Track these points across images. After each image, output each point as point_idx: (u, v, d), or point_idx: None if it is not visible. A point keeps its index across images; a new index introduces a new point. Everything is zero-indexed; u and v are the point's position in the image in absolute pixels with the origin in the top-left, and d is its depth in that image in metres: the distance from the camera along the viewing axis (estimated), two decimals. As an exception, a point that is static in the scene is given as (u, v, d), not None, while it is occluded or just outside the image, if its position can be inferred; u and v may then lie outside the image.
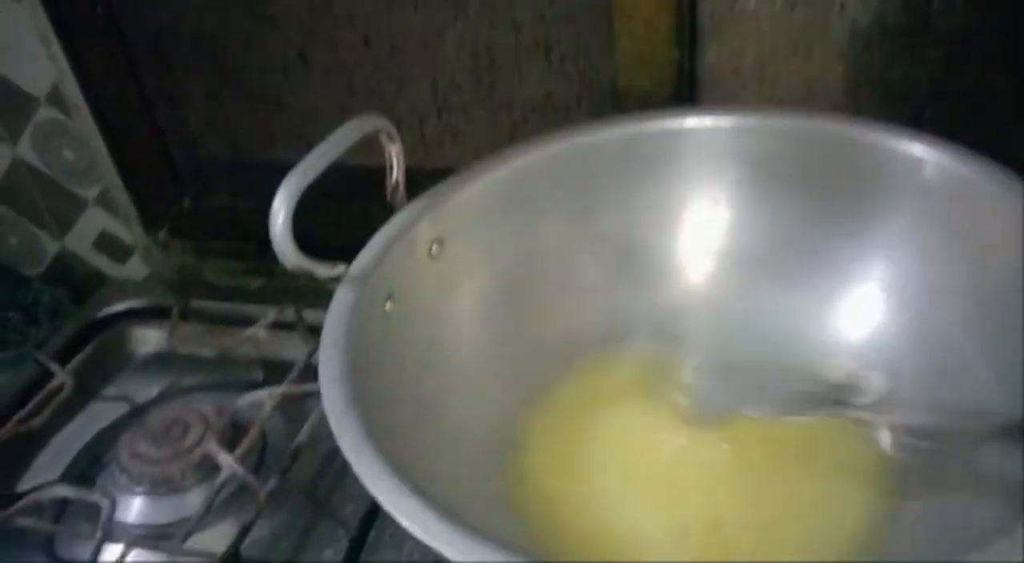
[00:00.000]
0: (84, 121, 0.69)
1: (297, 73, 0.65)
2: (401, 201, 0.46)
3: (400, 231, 0.44)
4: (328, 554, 0.48)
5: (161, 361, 0.64)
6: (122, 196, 0.73)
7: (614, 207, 0.49)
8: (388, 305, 0.43)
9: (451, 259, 0.46)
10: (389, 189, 0.46)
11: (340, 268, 0.42)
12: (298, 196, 0.40)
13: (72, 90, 0.68)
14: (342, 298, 0.40)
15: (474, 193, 0.47)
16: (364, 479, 0.32)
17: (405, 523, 0.30)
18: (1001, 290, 0.40)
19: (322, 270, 0.41)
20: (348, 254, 0.43)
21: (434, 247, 0.46)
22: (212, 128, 0.70)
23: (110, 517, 0.46)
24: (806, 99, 0.55)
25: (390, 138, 0.45)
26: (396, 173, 0.46)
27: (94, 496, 0.47)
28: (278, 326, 0.61)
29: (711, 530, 0.41)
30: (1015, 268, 0.39)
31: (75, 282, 0.78)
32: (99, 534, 0.45)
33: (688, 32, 0.54)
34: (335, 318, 0.39)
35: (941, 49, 0.52)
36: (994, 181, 0.41)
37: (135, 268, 0.77)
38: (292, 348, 0.59)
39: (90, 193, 0.74)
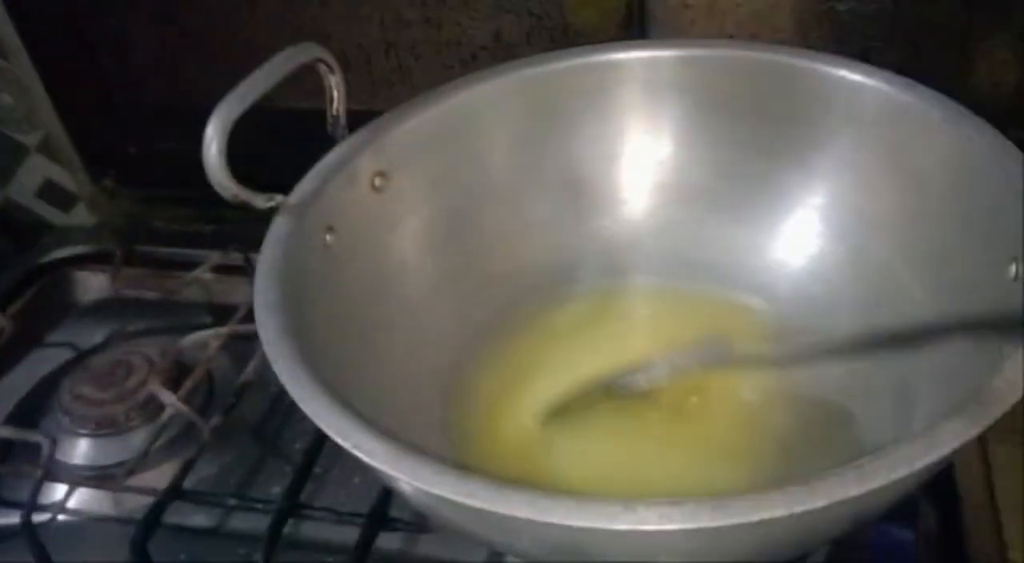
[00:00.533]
0: (22, 65, 0.67)
1: (242, 14, 0.63)
2: (342, 133, 0.45)
3: (340, 162, 0.43)
4: (276, 490, 0.48)
5: (106, 307, 0.63)
6: (65, 143, 0.71)
7: (560, 141, 0.49)
8: (328, 237, 0.42)
9: (395, 192, 0.46)
10: (330, 121, 0.45)
11: (278, 198, 0.41)
12: (231, 125, 0.39)
13: (8, 32, 0.66)
14: (278, 228, 0.40)
15: (418, 125, 0.47)
16: (299, 400, 0.31)
17: (339, 440, 0.30)
18: (936, 216, 0.41)
19: (259, 200, 0.40)
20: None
21: (377, 180, 0.45)
22: (156, 72, 0.68)
23: (51, 456, 0.45)
24: (756, 33, 0.55)
25: (329, 68, 0.44)
26: (336, 104, 0.45)
27: (35, 437, 0.47)
28: (226, 269, 0.60)
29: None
30: (950, 193, 0.40)
31: (20, 232, 0.76)
32: (39, 473, 0.45)
33: (637, -34, 0.54)
34: (270, 246, 0.39)
35: (889, -17, 0.52)
36: (931, 106, 0.41)
37: (81, 217, 0.75)
38: (240, 291, 0.58)
39: (31, 140, 0.72)
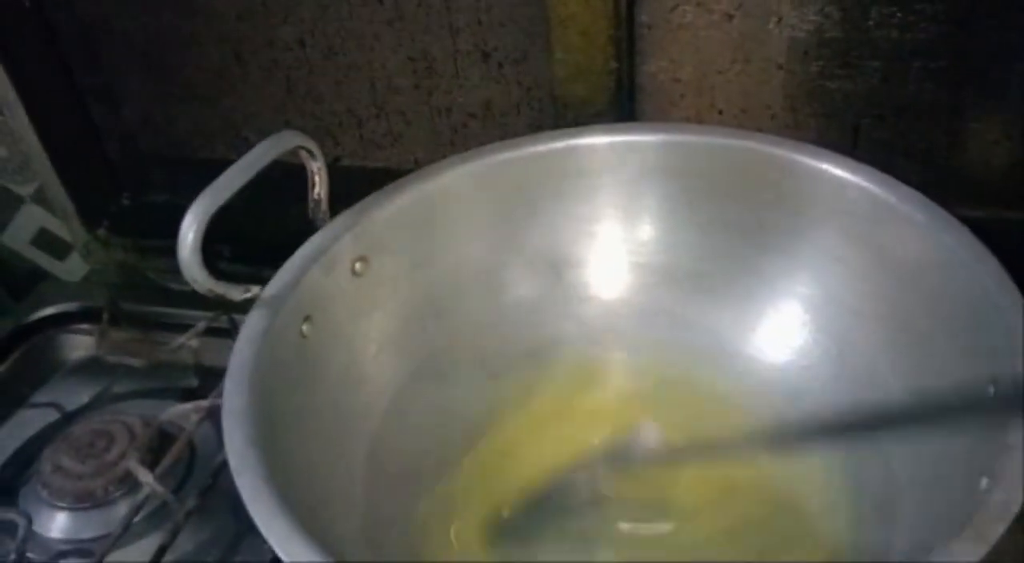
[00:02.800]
0: (17, 117, 0.67)
1: (234, 72, 0.64)
2: (323, 219, 0.45)
3: (319, 251, 0.43)
4: (253, 571, 0.48)
5: (93, 367, 0.62)
6: (59, 193, 0.71)
7: (541, 222, 0.49)
8: (305, 327, 0.42)
9: (375, 276, 0.46)
10: (311, 205, 0.45)
11: (254, 290, 0.41)
12: (209, 217, 0.39)
13: (3, 85, 0.66)
14: (252, 323, 0.39)
15: (400, 209, 0.46)
16: (259, 523, 0.31)
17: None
18: (919, 319, 0.40)
19: (235, 293, 0.40)
20: (274, 253, 0.43)
21: (358, 265, 0.45)
22: (148, 125, 0.69)
23: (25, 538, 0.45)
24: (745, 108, 0.55)
25: (311, 155, 0.44)
26: (318, 189, 0.45)
27: (10, 515, 0.47)
28: (214, 332, 0.60)
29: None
30: (932, 298, 0.39)
31: (15, 279, 0.76)
32: (12, 555, 0.44)
33: (626, 42, 0.53)
34: (243, 345, 0.38)
35: (878, 62, 0.51)
36: (914, 209, 0.40)
37: (75, 265, 0.75)
38: (227, 356, 0.58)
39: (26, 190, 0.72)
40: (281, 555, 0.30)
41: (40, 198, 0.72)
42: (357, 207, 0.46)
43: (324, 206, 0.45)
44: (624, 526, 0.42)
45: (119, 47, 0.64)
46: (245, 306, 0.41)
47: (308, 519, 0.31)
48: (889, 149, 0.54)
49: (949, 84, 0.51)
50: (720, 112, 0.55)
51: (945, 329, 0.39)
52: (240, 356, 0.38)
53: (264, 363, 0.38)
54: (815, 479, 0.42)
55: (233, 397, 0.36)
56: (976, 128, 0.52)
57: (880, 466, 0.40)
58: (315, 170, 0.44)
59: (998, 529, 0.27)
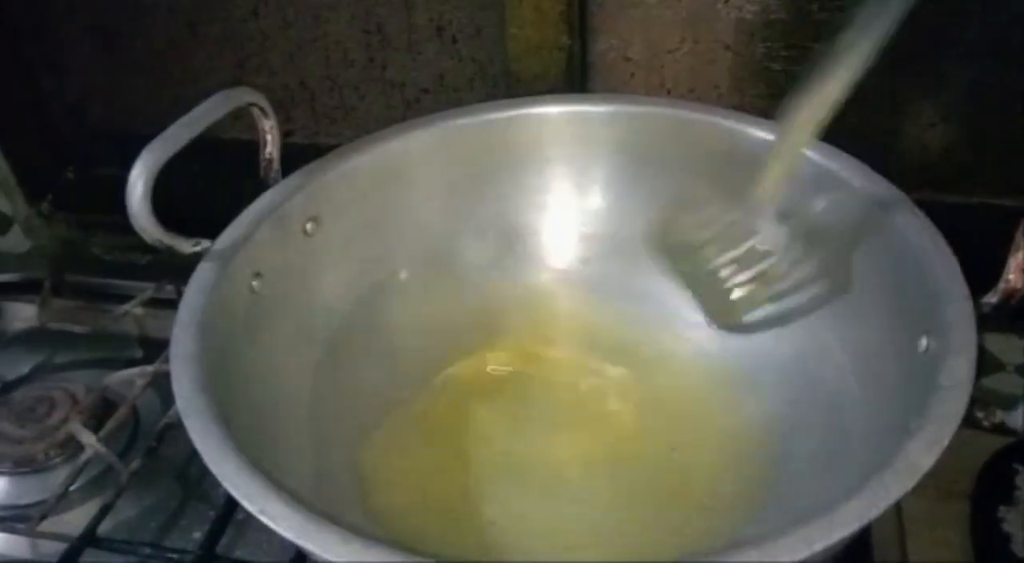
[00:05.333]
0: (-42, 83, 0.66)
1: (186, 43, 0.63)
2: (275, 177, 0.45)
3: (271, 207, 0.43)
4: (197, 535, 0.47)
5: (36, 337, 0.61)
6: (1, 165, 0.69)
7: (494, 190, 0.49)
8: (255, 283, 0.42)
9: (326, 238, 0.46)
10: (262, 165, 0.45)
11: (205, 243, 0.41)
12: (158, 168, 0.39)
13: (-55, 50, 0.64)
14: (202, 274, 0.39)
15: (352, 171, 0.47)
16: (207, 460, 0.31)
17: (245, 502, 0.30)
18: (856, 282, 0.42)
19: (184, 245, 0.40)
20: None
21: (309, 225, 0.45)
22: (97, 97, 0.68)
23: (-39, 500, 0.44)
24: (693, 87, 0.56)
25: (263, 112, 0.44)
26: (270, 148, 0.45)
27: (-56, 477, 0.46)
28: (160, 303, 0.59)
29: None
30: (868, 261, 0.41)
31: (-46, 253, 0.74)
32: (-52, 516, 0.43)
33: (578, 19, 0.54)
34: (193, 293, 0.38)
35: (821, 45, 0.53)
36: (853, 174, 0.42)
37: (16, 240, 0.73)
38: (172, 326, 0.57)
39: (-34, 161, 0.70)
40: (233, 492, 0.30)
41: (-20, 169, 0.70)
42: (310, 167, 0.46)
43: (276, 165, 0.45)
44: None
45: (68, 15, 0.63)
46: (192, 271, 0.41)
47: (257, 461, 0.31)
48: (831, 131, 0.56)
49: (888, 68, 0.53)
50: (669, 91, 0.57)
51: (881, 290, 0.40)
52: (189, 303, 0.38)
53: (213, 313, 0.38)
54: (761, 427, 0.43)
55: (182, 342, 0.36)
56: (913, 111, 0.54)
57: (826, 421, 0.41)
58: (267, 129, 0.45)
59: (928, 459, 0.28)
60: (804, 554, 0.26)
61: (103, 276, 0.65)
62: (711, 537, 0.38)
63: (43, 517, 0.45)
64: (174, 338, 0.36)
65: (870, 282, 0.41)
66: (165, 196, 0.39)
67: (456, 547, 0.40)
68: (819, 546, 0.26)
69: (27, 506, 0.49)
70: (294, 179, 0.45)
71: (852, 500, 0.27)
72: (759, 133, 0.45)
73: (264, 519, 0.29)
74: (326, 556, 0.28)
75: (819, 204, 0.43)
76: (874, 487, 0.28)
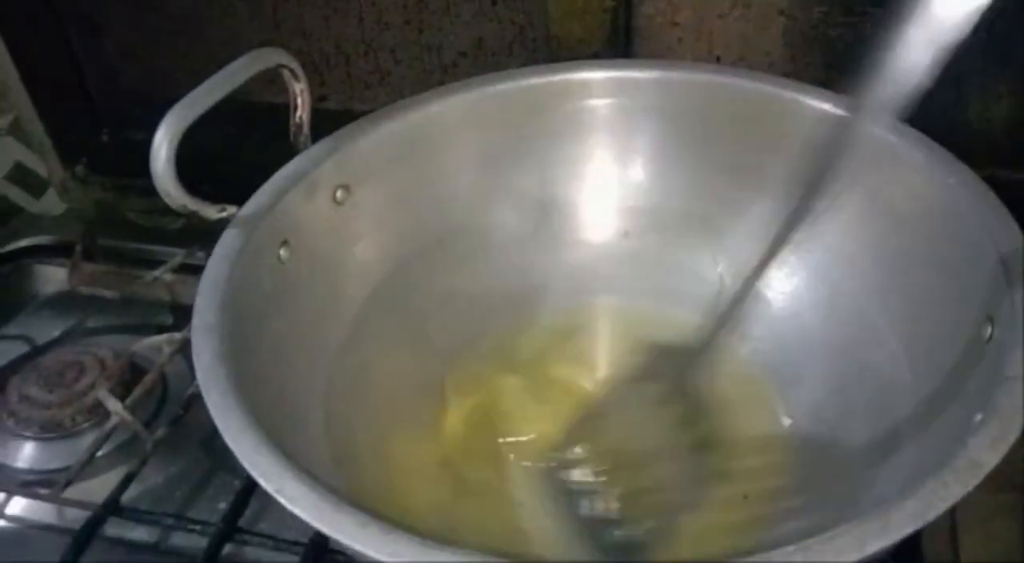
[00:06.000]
0: (-7, 44, 0.65)
1: (221, 5, 0.62)
2: (305, 142, 0.44)
3: (300, 173, 0.42)
4: (222, 506, 0.46)
5: (68, 301, 0.61)
6: (36, 126, 0.69)
7: (531, 159, 0.47)
8: (283, 252, 0.40)
9: (357, 206, 0.44)
10: (292, 129, 0.44)
11: (231, 209, 0.40)
12: (182, 130, 0.37)
13: (-21, 9, 0.64)
14: (227, 242, 0.38)
15: (385, 137, 0.45)
16: (225, 435, 0.30)
17: (261, 481, 0.28)
18: (914, 262, 0.39)
19: (210, 211, 0.39)
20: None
21: (339, 193, 0.44)
22: (131, 58, 0.67)
23: (-13, 463, 0.44)
24: (743, 55, 0.53)
25: (294, 75, 0.42)
26: (300, 112, 0.44)
27: (-28, 441, 0.45)
28: (192, 269, 0.58)
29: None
30: (929, 240, 0.38)
31: (-10, 216, 0.74)
32: (-26, 480, 0.43)
33: (623, -20, 0.52)
34: (217, 262, 0.37)
35: (882, 10, 0.50)
36: (915, 149, 0.39)
37: (52, 203, 0.73)
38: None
39: (2, 122, 0.70)
40: (250, 470, 0.29)
41: (16, 131, 0.70)
42: (341, 132, 0.44)
43: (306, 130, 0.44)
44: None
45: (101, -26, 0.62)
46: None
47: (277, 438, 0.30)
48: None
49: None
50: (717, 58, 0.54)
51: (941, 272, 0.37)
52: (213, 272, 0.36)
53: (238, 282, 0.37)
54: (805, 415, 0.41)
55: (204, 313, 0.34)
56: (979, 83, 0.51)
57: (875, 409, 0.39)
58: (298, 92, 0.43)
59: (992, 458, 0.26)
60: (855, 556, 0.24)
61: (135, 241, 0.64)
62: (754, 530, 0.36)
63: (68, 483, 0.44)
64: (196, 308, 0.35)
65: (928, 263, 0.39)
66: (197, 159, 0.38)
67: (486, 534, 0.39)
68: (872, 548, 0.24)
69: (52, 471, 0.48)
70: (324, 145, 0.43)
71: (908, 500, 0.25)
72: (816, 104, 0.43)
73: (281, 499, 0.28)
74: (343, 540, 0.26)
75: (877, 179, 0.41)
76: (933, 486, 0.26)
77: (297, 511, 0.27)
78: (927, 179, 0.39)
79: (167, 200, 0.38)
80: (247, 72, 0.39)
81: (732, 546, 0.37)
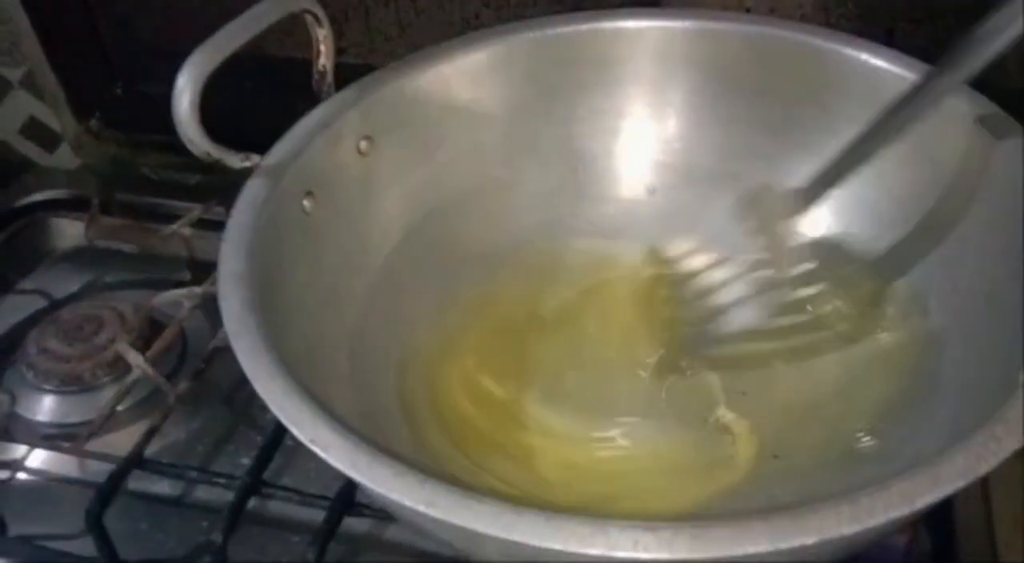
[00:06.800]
0: (5, -6, 0.64)
1: (237, -47, 0.60)
2: (328, 91, 0.43)
3: (323, 123, 0.41)
4: (244, 461, 0.46)
5: (83, 255, 0.60)
6: (50, 79, 0.68)
7: (560, 111, 0.46)
8: (307, 203, 0.40)
9: (381, 158, 0.43)
10: (315, 77, 0.43)
11: (255, 158, 0.39)
12: (206, 75, 0.36)
13: (-9, -42, 0.62)
14: (252, 191, 0.37)
15: (410, 87, 0.44)
16: (255, 383, 0.29)
17: (294, 429, 0.28)
18: (955, 216, 0.38)
19: (233, 160, 0.38)
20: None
21: (363, 143, 0.43)
22: (146, 10, 0.65)
23: (9, 414, 0.43)
24: (775, 7, 0.52)
25: (317, 20, 0.41)
26: (323, 59, 0.43)
27: (-7, 392, 0.45)
28: (209, 224, 0.58)
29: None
30: (971, 194, 0.37)
31: (3, 170, 0.73)
32: (-5, 431, 0.43)
33: (653, -72, 0.50)
34: (241, 211, 0.36)
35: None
36: (958, 99, 0.38)
37: (65, 157, 0.72)
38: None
39: (15, 74, 0.69)
40: (281, 418, 0.28)
41: (29, 84, 0.69)
42: (365, 81, 0.43)
43: (329, 78, 0.43)
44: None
45: (115, -79, 0.61)
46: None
47: (305, 384, 0.29)
48: (924, 57, 0.51)
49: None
50: (748, 10, 0.52)
51: (983, 224, 0.36)
52: (238, 220, 0.36)
53: (263, 232, 0.36)
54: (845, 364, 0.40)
55: (231, 260, 0.34)
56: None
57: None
58: (321, 38, 0.42)
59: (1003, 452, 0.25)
60: (905, 511, 0.24)
61: (152, 195, 0.63)
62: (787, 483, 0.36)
63: (90, 436, 0.44)
64: (222, 255, 0.34)
65: (970, 217, 0.37)
66: (213, 114, 0.37)
67: (511, 484, 0.38)
68: (922, 503, 0.24)
69: (74, 425, 0.48)
70: (348, 93, 0.42)
71: (959, 454, 0.25)
72: (849, 51, 0.41)
73: (314, 448, 0.27)
74: (379, 490, 0.26)
75: (917, 129, 0.39)
76: (983, 440, 0.25)
77: (332, 460, 0.27)
78: (969, 130, 0.38)
79: (190, 147, 0.37)
80: (271, 16, 0.38)
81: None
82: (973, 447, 0.25)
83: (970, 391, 0.33)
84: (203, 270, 0.56)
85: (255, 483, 0.40)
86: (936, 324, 0.38)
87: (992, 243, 0.36)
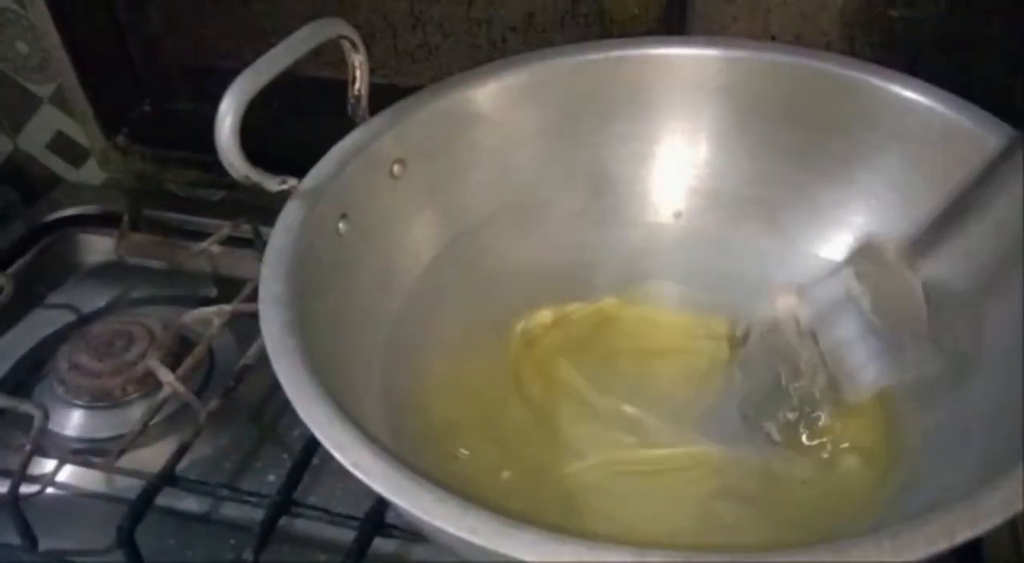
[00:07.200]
0: (38, 12, 0.65)
1: (266, -27, 0.61)
2: (363, 115, 0.43)
3: (358, 147, 0.41)
4: (272, 478, 0.47)
5: (112, 271, 0.61)
6: (78, 95, 0.69)
7: (590, 136, 0.47)
8: (342, 225, 0.40)
9: (413, 181, 0.44)
10: (351, 102, 0.43)
11: (292, 182, 0.39)
12: (247, 101, 0.37)
13: (24, -25, 0.63)
14: (290, 214, 0.38)
15: (443, 111, 0.45)
16: (298, 407, 0.30)
17: (337, 454, 0.28)
18: (988, 249, 0.38)
19: (271, 183, 0.39)
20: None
21: (396, 167, 0.43)
22: (174, 27, 0.66)
23: (42, 429, 0.44)
24: (800, 34, 0.52)
25: (353, 46, 0.42)
26: (359, 84, 0.43)
27: (26, 406, 0.45)
28: (235, 242, 0.58)
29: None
30: (1005, 228, 0.37)
31: (30, 184, 0.74)
32: (28, 446, 0.43)
33: (680, -45, 0.51)
34: (280, 235, 0.37)
35: (946, -11, 0.49)
36: (988, 132, 0.38)
37: (92, 173, 0.73)
38: (248, 265, 0.57)
39: (44, 90, 0.70)
40: (325, 442, 0.29)
41: (59, 100, 0.70)
42: (399, 105, 0.44)
43: (364, 103, 0.43)
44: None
45: (147, -59, 0.62)
46: (271, 211, 0.39)
47: (344, 407, 0.30)
48: (949, 87, 0.52)
49: (1017, 18, 0.49)
50: (773, 38, 0.53)
51: (1013, 261, 0.37)
52: (277, 244, 0.36)
53: (300, 254, 0.36)
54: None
55: (270, 284, 0.34)
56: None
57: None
58: (357, 64, 0.42)
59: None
60: (945, 545, 0.24)
61: (178, 211, 0.64)
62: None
63: (121, 452, 0.44)
64: (262, 279, 0.35)
65: (1004, 251, 0.38)
66: (242, 132, 0.38)
67: (538, 507, 0.39)
68: (962, 537, 0.24)
69: (104, 440, 0.49)
70: (382, 118, 0.43)
71: (999, 489, 0.25)
72: (877, 82, 0.42)
73: (358, 473, 0.28)
74: (422, 516, 0.26)
75: (947, 161, 0.40)
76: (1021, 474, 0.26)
77: (375, 485, 0.27)
78: (1001, 163, 0.38)
79: (230, 171, 0.37)
80: (310, 42, 0.39)
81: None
82: (1013, 483, 0.25)
83: (1001, 424, 0.33)
84: (229, 286, 0.57)
85: (285, 502, 0.41)
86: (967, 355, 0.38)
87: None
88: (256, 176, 0.38)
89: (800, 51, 0.45)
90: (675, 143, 0.47)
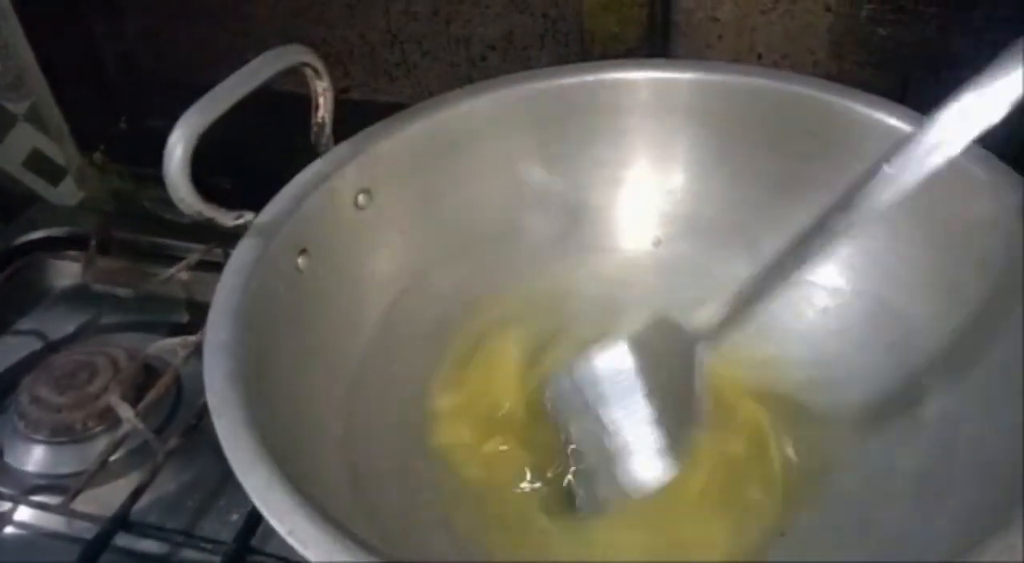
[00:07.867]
0: (11, 29, 0.63)
1: (242, -9, 0.60)
2: (327, 144, 0.42)
3: (319, 179, 0.40)
4: (235, 517, 0.45)
5: (81, 295, 0.60)
6: (53, 112, 0.67)
7: (563, 162, 0.45)
8: (301, 260, 0.39)
9: (379, 212, 0.42)
10: (313, 130, 0.42)
11: (248, 216, 0.38)
12: (198, 134, 0.35)
13: (-3, -6, 0.62)
14: (243, 253, 0.36)
15: (409, 139, 0.43)
16: (235, 469, 0.28)
17: (274, 523, 0.27)
18: (973, 285, 0.37)
19: (226, 218, 0.37)
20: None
21: (361, 197, 0.42)
22: (150, 44, 0.65)
23: (-2, 468, 0.42)
24: (787, 54, 0.51)
25: (316, 73, 0.40)
26: (322, 111, 0.41)
27: (-18, 445, 0.44)
28: (207, 266, 0.57)
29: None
30: (991, 263, 0.36)
31: (7, 202, 0.73)
32: (-19, 486, 0.42)
33: (662, -27, 0.49)
34: (231, 276, 0.35)
35: (936, 8, 0.47)
36: (976, 164, 0.37)
37: (69, 191, 0.72)
38: (220, 290, 0.55)
39: (19, 108, 0.68)
40: (261, 508, 0.27)
41: (34, 117, 0.69)
42: (362, 134, 0.42)
43: (328, 131, 0.42)
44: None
45: (120, -42, 0.61)
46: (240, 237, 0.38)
47: (289, 465, 0.28)
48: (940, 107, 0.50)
49: (1011, 36, 0.47)
50: (759, 56, 0.51)
51: (995, 294, 0.35)
52: (227, 286, 0.35)
53: (253, 295, 0.35)
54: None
55: (216, 330, 0.33)
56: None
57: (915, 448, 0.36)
58: (319, 91, 0.41)
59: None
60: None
61: (151, 234, 0.63)
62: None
63: (77, 492, 0.43)
64: (209, 324, 0.33)
65: (989, 287, 0.36)
66: (216, 150, 0.36)
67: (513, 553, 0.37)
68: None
69: (63, 476, 0.47)
70: (345, 147, 0.41)
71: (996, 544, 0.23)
72: (869, 112, 0.40)
73: (292, 542, 0.26)
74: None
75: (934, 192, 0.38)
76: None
77: (309, 555, 0.26)
78: (988, 197, 0.36)
79: (180, 206, 0.36)
80: (268, 71, 0.37)
81: None
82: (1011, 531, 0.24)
83: (985, 468, 0.31)
84: (201, 312, 0.55)
85: (242, 549, 0.39)
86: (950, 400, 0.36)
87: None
88: (209, 211, 0.36)
89: (780, 75, 0.43)
90: (653, 169, 0.46)
